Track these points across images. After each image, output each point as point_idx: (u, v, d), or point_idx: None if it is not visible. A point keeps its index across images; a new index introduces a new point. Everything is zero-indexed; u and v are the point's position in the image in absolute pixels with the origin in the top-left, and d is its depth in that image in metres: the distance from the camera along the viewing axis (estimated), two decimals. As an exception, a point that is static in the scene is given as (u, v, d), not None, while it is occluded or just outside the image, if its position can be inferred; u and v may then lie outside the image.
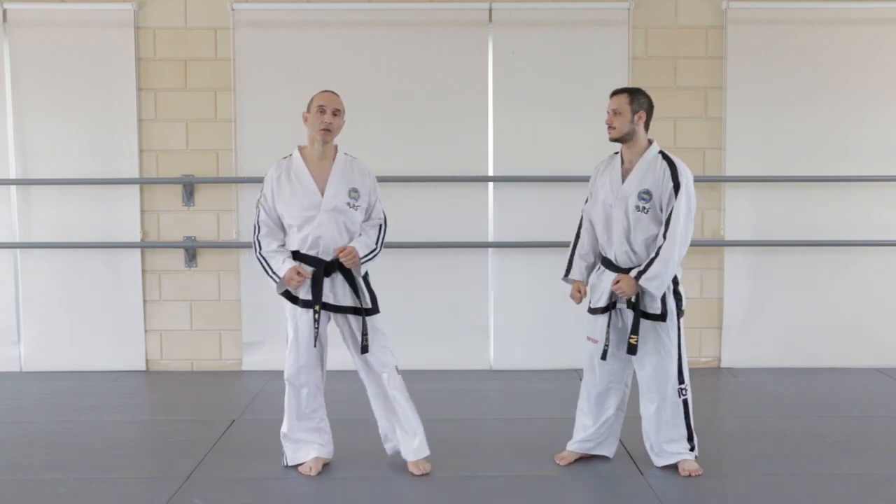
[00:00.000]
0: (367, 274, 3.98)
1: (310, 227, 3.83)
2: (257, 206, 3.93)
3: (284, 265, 3.82)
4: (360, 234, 3.91)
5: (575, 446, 4.11)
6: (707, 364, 6.18)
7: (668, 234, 3.77)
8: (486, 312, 6.15)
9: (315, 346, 3.88)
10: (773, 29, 6.04)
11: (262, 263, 3.89)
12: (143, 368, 6.15)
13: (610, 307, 3.93)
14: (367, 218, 3.97)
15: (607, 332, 3.92)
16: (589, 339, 4.04)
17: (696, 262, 6.15)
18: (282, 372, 5.94)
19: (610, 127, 3.90)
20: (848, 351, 6.13)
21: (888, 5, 6.02)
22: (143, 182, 6.06)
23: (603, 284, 3.97)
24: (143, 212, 6.09)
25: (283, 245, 3.89)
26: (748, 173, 6.07)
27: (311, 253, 3.85)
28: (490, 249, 6.12)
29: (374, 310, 3.94)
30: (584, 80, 5.99)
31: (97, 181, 6.02)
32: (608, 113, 3.91)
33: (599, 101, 5.85)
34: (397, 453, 4.05)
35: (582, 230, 4.10)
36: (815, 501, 3.65)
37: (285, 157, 3.97)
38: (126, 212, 6.07)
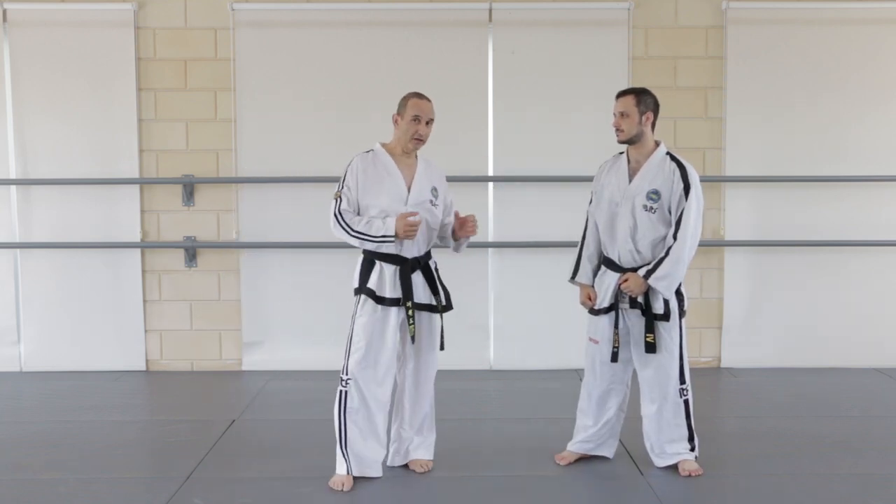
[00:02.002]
0: (437, 269, 3.99)
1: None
2: (336, 198, 3.80)
3: (387, 223, 3.73)
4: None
5: (575, 447, 4.11)
6: (707, 364, 6.18)
7: (678, 235, 3.78)
8: (486, 312, 6.15)
9: (413, 343, 3.86)
10: (773, 29, 6.04)
11: (361, 239, 3.74)
12: (143, 368, 6.15)
13: (613, 308, 3.92)
14: (448, 213, 4.02)
15: (616, 334, 3.91)
16: (591, 339, 4.03)
17: (696, 262, 6.07)
18: (282, 372, 5.95)
19: (618, 130, 3.87)
20: (848, 351, 6.13)
21: (888, 5, 6.02)
22: (143, 182, 6.06)
23: (605, 285, 3.96)
24: (143, 212, 6.08)
25: None
26: (748, 173, 6.07)
27: (397, 251, 3.82)
28: (490, 249, 6.12)
29: (449, 306, 3.95)
30: (584, 80, 5.99)
31: (97, 181, 6.02)
32: (615, 115, 3.88)
33: (599, 100, 5.91)
34: (394, 463, 4.04)
35: (588, 232, 4.08)
36: (815, 501, 3.65)
37: (367, 151, 3.90)
38: (126, 212, 6.07)
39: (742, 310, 6.14)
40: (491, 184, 6.07)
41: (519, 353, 6.13)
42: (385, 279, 3.81)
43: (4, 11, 5.96)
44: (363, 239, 3.75)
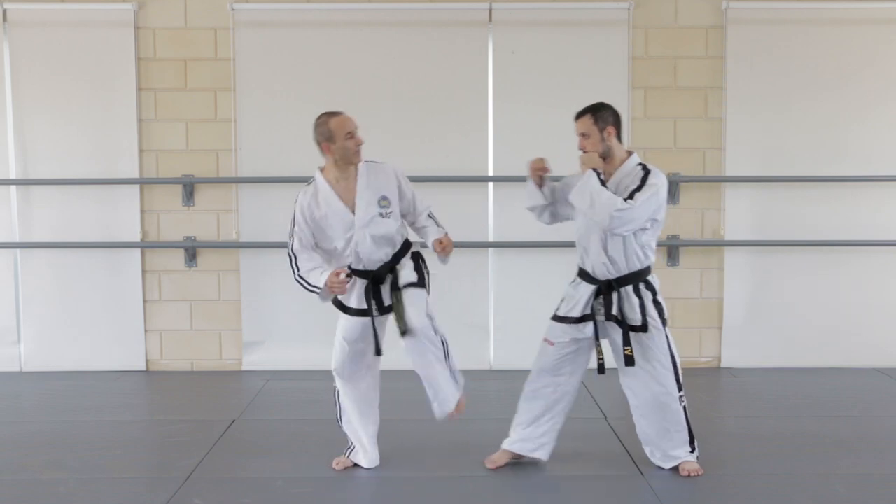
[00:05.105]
0: (420, 257, 3.99)
1: (351, 245, 3.85)
2: (290, 237, 3.91)
3: (322, 276, 3.80)
4: (425, 227, 3.97)
5: (515, 446, 4.06)
6: (707, 364, 6.17)
7: (630, 199, 3.68)
8: (486, 312, 6.15)
9: (378, 355, 3.93)
10: (773, 29, 6.04)
11: (302, 284, 3.87)
12: (143, 368, 6.15)
13: (584, 319, 3.89)
14: (413, 211, 3.98)
15: (598, 345, 3.88)
16: (546, 340, 4.00)
17: (696, 262, 6.15)
18: (282, 372, 5.98)
19: (584, 151, 3.85)
20: (848, 351, 6.13)
21: (888, 5, 6.02)
22: (143, 182, 6.06)
23: (578, 295, 3.92)
24: (143, 212, 6.09)
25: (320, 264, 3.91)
26: (748, 173, 6.07)
27: (360, 267, 3.88)
28: (490, 249, 6.12)
29: (420, 284, 3.91)
30: (584, 80, 5.98)
31: (97, 181, 6.02)
32: (578, 137, 3.85)
33: (600, 101, 5.90)
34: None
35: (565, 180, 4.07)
36: (815, 501, 3.65)
37: (308, 184, 3.92)
38: (126, 212, 6.07)
39: (742, 310, 6.14)
40: (491, 184, 6.07)
41: (519, 353, 6.10)
42: (352, 291, 3.88)
43: (4, 11, 5.96)
44: (303, 285, 3.87)
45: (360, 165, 3.89)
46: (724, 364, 6.16)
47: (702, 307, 6.15)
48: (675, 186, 6.05)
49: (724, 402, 5.44)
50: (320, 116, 3.86)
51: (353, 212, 3.82)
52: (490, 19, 6.01)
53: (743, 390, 5.59)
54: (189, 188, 6.06)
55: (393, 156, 5.91)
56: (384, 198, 3.87)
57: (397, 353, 4.04)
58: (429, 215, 4.02)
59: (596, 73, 5.98)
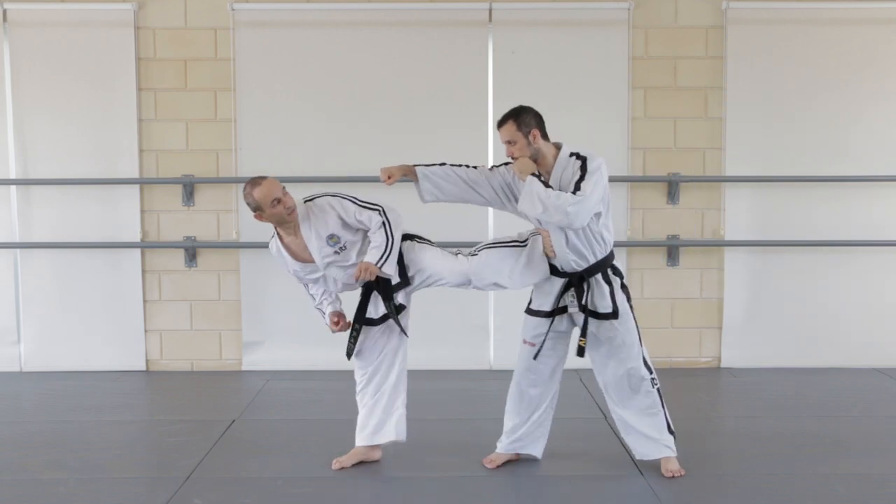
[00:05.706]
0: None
1: (326, 283, 3.98)
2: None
3: (327, 317, 4.03)
4: (369, 243, 3.89)
5: (508, 447, 4.07)
6: (707, 364, 6.17)
7: (577, 191, 3.65)
8: (486, 312, 6.15)
9: (349, 358, 4.06)
10: (773, 29, 6.04)
11: (321, 313, 4.09)
12: (143, 368, 6.15)
13: (555, 312, 3.90)
14: (367, 228, 3.91)
15: (546, 335, 3.91)
16: (525, 342, 4.03)
17: (696, 262, 6.15)
18: (282, 372, 5.99)
19: (513, 158, 3.82)
20: (848, 351, 6.12)
21: (888, 5, 6.02)
22: (143, 182, 6.06)
23: (549, 288, 3.92)
24: (143, 212, 6.09)
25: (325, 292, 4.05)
26: (748, 173, 6.07)
27: (348, 290, 4.03)
28: (490, 249, 6.11)
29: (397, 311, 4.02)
30: (584, 80, 5.99)
31: (97, 181, 6.02)
32: (505, 145, 3.82)
33: (599, 100, 5.93)
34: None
35: (461, 170, 4.13)
36: (815, 501, 3.65)
37: (272, 237, 3.99)
38: (126, 212, 6.07)
39: (742, 310, 6.14)
40: (491, 184, 6.06)
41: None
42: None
43: (4, 11, 5.96)
44: (321, 314, 4.07)
45: (300, 214, 3.87)
46: (724, 364, 6.16)
47: (702, 307, 6.15)
48: (675, 186, 6.06)
49: (724, 402, 5.44)
50: (245, 187, 3.87)
51: (313, 259, 3.90)
52: (490, 19, 6.01)
53: (743, 390, 5.59)
54: (189, 188, 6.06)
55: (393, 156, 5.94)
56: (331, 236, 3.88)
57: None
58: (380, 226, 3.89)
59: (596, 73, 5.99)
